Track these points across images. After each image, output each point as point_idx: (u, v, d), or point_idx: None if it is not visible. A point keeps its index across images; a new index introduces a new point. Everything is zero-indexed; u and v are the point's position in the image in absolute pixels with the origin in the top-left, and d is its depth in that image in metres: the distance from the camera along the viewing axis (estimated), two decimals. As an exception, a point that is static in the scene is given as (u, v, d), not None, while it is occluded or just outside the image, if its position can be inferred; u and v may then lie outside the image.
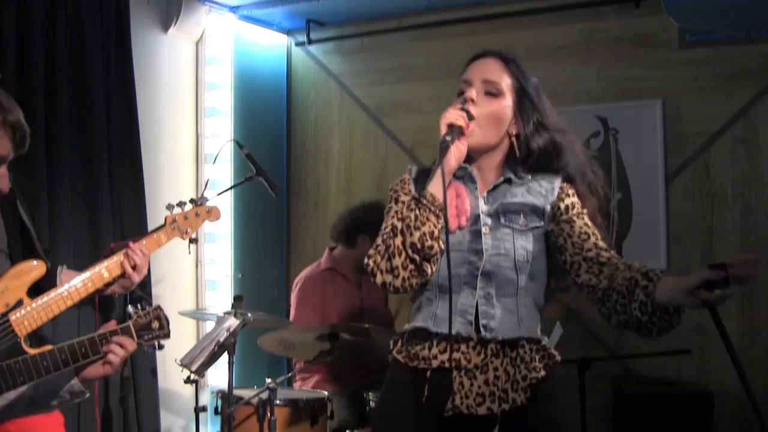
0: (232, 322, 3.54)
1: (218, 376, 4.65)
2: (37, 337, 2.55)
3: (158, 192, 4.53)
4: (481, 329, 2.02)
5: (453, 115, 2.02)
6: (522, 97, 2.13)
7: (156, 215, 4.32)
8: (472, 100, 2.07)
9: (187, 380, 3.73)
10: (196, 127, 4.88)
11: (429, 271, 2.00)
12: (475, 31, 4.78)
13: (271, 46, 5.26)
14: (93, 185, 4.08)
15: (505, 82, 2.11)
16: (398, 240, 1.97)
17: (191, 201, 2.98)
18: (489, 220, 2.07)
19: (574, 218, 2.11)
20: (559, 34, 4.58)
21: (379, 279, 1.99)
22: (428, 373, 2.03)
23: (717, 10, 3.88)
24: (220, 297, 4.82)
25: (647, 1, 4.28)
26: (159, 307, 2.18)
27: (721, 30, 4.12)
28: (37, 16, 3.82)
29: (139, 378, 4.18)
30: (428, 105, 4.76)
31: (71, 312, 2.85)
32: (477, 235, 2.06)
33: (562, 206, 2.12)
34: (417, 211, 1.98)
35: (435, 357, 2.03)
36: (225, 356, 3.58)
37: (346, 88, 5.12)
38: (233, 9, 4.91)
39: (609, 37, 4.48)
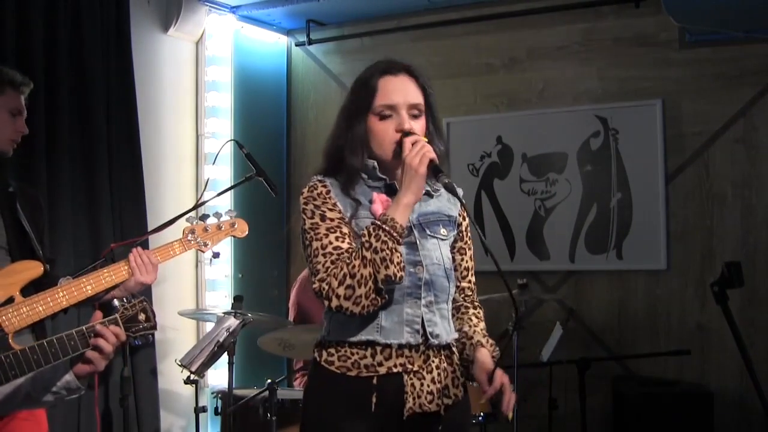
0: (232, 322, 3.54)
1: (218, 376, 4.65)
2: (37, 337, 2.54)
3: (158, 192, 4.53)
4: (429, 337, 2.10)
5: (432, 152, 2.06)
6: (431, 112, 2.20)
7: (156, 215, 4.32)
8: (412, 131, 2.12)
9: (187, 380, 3.73)
10: (197, 127, 4.88)
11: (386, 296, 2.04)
12: (476, 31, 4.79)
13: (271, 46, 5.26)
14: (93, 185, 4.08)
15: (422, 101, 2.17)
16: (367, 271, 1.97)
17: (215, 214, 2.92)
18: (416, 232, 2.13)
19: (465, 249, 2.29)
20: (560, 34, 4.58)
21: (334, 303, 1.99)
22: (374, 380, 2.06)
23: (717, 10, 3.88)
24: (220, 297, 4.82)
25: (647, 1, 4.28)
26: (144, 299, 2.18)
27: (721, 30, 4.12)
28: (37, 16, 3.82)
29: (139, 378, 4.18)
30: (428, 105, 4.75)
31: (71, 313, 2.85)
32: (413, 246, 2.11)
33: (462, 227, 2.28)
34: (389, 243, 1.99)
35: (381, 364, 2.07)
36: (225, 356, 3.59)
37: (346, 89, 5.06)
38: (233, 9, 4.91)
39: (609, 37, 4.48)
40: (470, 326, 2.24)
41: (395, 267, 1.99)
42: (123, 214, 4.22)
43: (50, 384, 2.06)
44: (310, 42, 5.20)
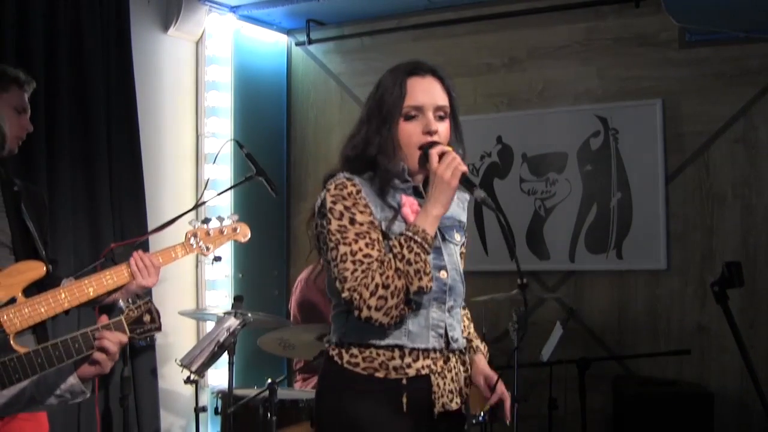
0: (232, 322, 3.54)
1: (218, 376, 4.65)
2: (38, 338, 2.54)
3: (158, 192, 4.53)
4: (450, 342, 2.13)
5: (463, 165, 2.04)
6: (455, 115, 2.20)
7: (156, 215, 4.32)
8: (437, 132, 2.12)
9: (187, 380, 3.73)
10: (197, 126, 4.88)
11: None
12: (476, 30, 4.79)
13: (271, 46, 5.26)
14: (93, 185, 4.08)
15: (448, 103, 2.17)
16: (400, 282, 1.97)
17: (218, 218, 2.92)
18: (438, 237, 2.13)
19: (463, 253, 2.30)
20: (560, 34, 4.58)
21: (365, 314, 1.97)
22: (404, 381, 2.07)
23: (717, 10, 3.88)
24: (220, 297, 4.82)
25: (647, 0, 4.28)
26: (149, 301, 2.18)
27: (721, 30, 4.12)
28: (37, 16, 3.82)
29: (139, 378, 4.18)
30: (428, 105, 4.75)
31: (71, 314, 2.85)
32: (437, 251, 2.12)
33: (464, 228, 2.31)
34: (422, 255, 1.99)
35: (409, 366, 2.07)
36: (225, 356, 3.59)
37: (346, 88, 5.12)
38: (233, 9, 4.91)
39: (609, 37, 4.48)
40: (464, 327, 2.27)
41: (427, 278, 2.00)
42: (123, 214, 4.22)
43: (54, 387, 2.06)
44: (310, 42, 5.20)
